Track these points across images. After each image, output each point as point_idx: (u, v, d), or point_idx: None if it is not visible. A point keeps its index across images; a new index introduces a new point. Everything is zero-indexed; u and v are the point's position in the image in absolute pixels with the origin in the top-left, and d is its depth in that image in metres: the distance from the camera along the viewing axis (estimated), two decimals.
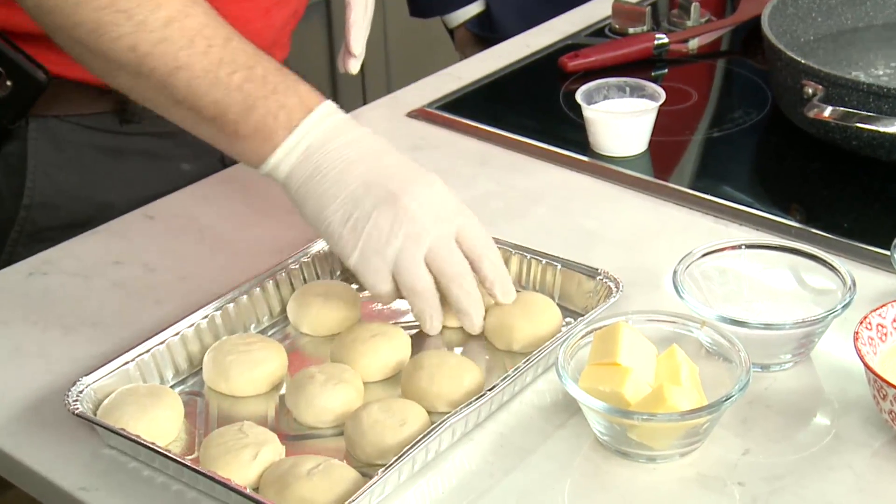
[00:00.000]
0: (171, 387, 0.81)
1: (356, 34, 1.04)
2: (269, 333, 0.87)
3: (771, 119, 1.14)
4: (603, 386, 0.73)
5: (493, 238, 0.89)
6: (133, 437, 0.73)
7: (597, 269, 0.86)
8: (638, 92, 1.09)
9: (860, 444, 0.75)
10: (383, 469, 0.69)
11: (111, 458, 0.75)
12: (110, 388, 0.78)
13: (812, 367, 0.81)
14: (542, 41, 1.33)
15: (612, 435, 0.74)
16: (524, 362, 0.78)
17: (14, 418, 0.79)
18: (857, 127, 1.00)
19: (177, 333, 0.82)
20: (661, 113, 1.08)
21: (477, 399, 0.75)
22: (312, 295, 0.87)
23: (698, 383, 0.76)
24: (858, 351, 0.74)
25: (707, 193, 1.02)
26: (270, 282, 0.88)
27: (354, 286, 0.91)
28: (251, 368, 0.80)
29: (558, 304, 0.86)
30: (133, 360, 0.80)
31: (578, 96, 1.08)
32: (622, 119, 1.07)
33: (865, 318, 0.77)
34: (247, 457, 0.72)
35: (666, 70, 1.27)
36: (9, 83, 0.98)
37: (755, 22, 1.18)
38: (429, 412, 0.76)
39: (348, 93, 2.34)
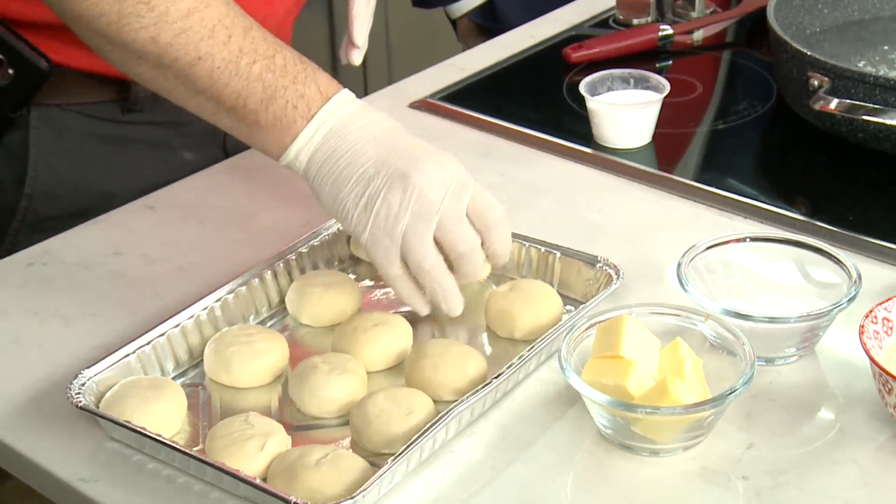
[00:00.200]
0: (172, 379, 0.81)
1: (359, 25, 1.04)
2: (269, 325, 0.86)
3: (776, 111, 1.14)
4: (606, 379, 0.73)
5: None
6: (139, 430, 0.72)
7: (596, 257, 0.86)
8: (642, 83, 1.09)
9: (865, 438, 0.74)
10: (393, 458, 0.69)
11: (112, 450, 0.75)
12: (112, 381, 0.77)
13: (817, 361, 0.81)
14: (545, 32, 1.32)
15: (615, 428, 0.74)
16: (528, 350, 0.78)
17: (13, 409, 0.79)
18: (863, 119, 1.00)
19: (177, 325, 0.81)
20: (666, 105, 1.07)
21: (484, 387, 0.74)
22: (312, 285, 0.86)
23: (702, 377, 0.75)
24: (864, 345, 0.74)
25: (711, 186, 1.01)
26: (269, 272, 0.87)
27: (353, 276, 0.91)
28: (253, 359, 0.80)
29: (558, 292, 0.86)
30: (134, 352, 0.79)
31: (582, 87, 1.08)
32: (626, 111, 1.07)
33: (871, 311, 0.77)
34: (254, 447, 0.72)
35: (670, 61, 1.26)
36: (11, 71, 0.98)
37: (761, 13, 1.17)
38: (433, 401, 0.76)
39: (350, 84, 2.32)
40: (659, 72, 1.11)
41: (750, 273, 0.85)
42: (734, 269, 0.85)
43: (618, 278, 0.84)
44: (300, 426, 0.77)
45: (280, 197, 1.02)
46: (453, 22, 1.71)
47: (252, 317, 0.86)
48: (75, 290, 0.91)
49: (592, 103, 1.07)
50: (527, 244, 0.90)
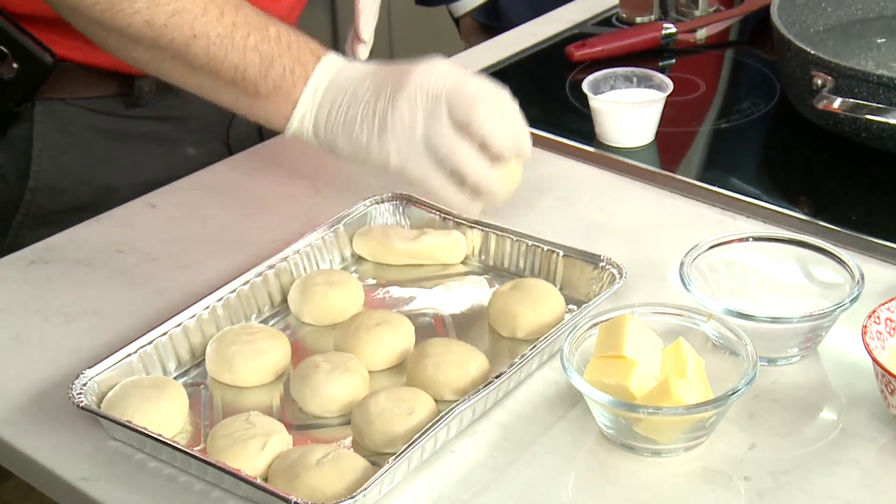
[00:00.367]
0: (174, 378, 0.81)
1: (365, 20, 1.04)
2: (270, 324, 0.86)
3: (779, 110, 1.13)
4: (608, 379, 0.73)
5: (497, 226, 0.90)
6: (140, 429, 0.72)
7: (599, 256, 0.86)
8: (645, 82, 1.08)
9: (867, 439, 0.74)
10: (394, 457, 0.69)
11: (114, 449, 0.75)
12: (113, 381, 0.77)
13: (819, 362, 0.81)
14: (548, 30, 1.32)
15: (617, 428, 0.73)
16: (530, 349, 0.78)
17: (14, 407, 0.79)
18: (866, 119, 0.99)
19: (179, 324, 0.81)
20: (669, 103, 1.07)
21: (486, 386, 0.74)
22: (314, 284, 0.86)
23: (704, 377, 0.75)
24: (866, 345, 0.74)
25: (714, 185, 1.01)
26: (271, 271, 0.87)
27: (355, 274, 0.90)
28: (255, 358, 0.80)
29: (561, 292, 0.86)
30: (136, 351, 0.79)
31: (585, 86, 1.07)
32: (629, 109, 1.07)
33: (874, 312, 0.76)
34: (255, 447, 0.72)
35: (673, 60, 1.26)
36: (15, 65, 0.98)
37: (764, 12, 1.17)
38: (435, 400, 0.76)
39: None
40: (662, 70, 1.11)
41: (752, 273, 0.85)
42: (737, 269, 0.85)
43: (620, 278, 0.84)
44: (302, 425, 0.77)
45: (282, 195, 1.02)
46: (456, 20, 1.71)
47: (254, 316, 0.86)
48: (77, 288, 0.91)
49: (595, 102, 1.07)
50: (529, 243, 0.89)
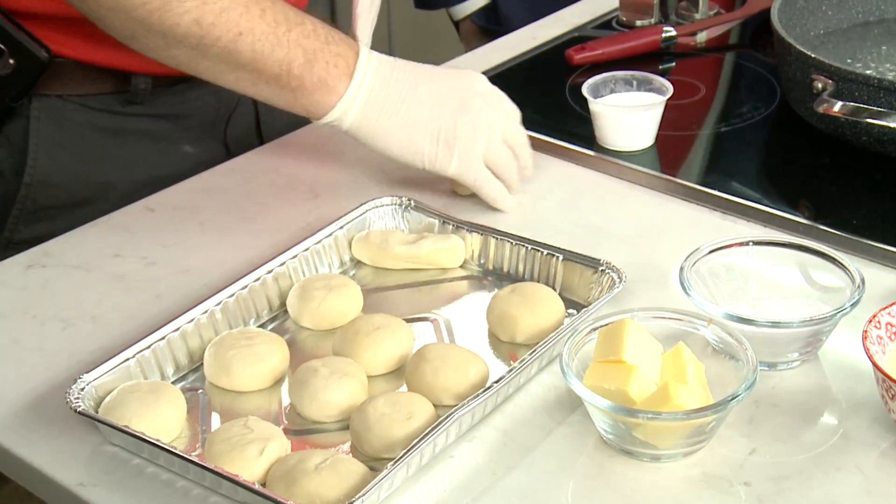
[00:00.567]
0: (172, 383, 0.80)
1: (363, 24, 1.05)
2: (269, 328, 0.86)
3: (780, 114, 1.13)
4: (608, 384, 0.73)
5: (496, 230, 0.92)
6: (138, 435, 0.72)
7: (599, 260, 0.86)
8: (645, 85, 1.08)
9: (868, 444, 0.74)
10: (392, 462, 0.69)
11: (111, 454, 0.75)
12: (111, 385, 0.77)
13: (820, 366, 0.80)
14: (548, 33, 1.32)
15: (617, 433, 0.73)
16: (529, 354, 0.77)
17: (12, 412, 0.79)
18: (867, 122, 0.99)
19: (177, 329, 0.81)
20: (669, 107, 1.07)
21: (484, 391, 0.74)
22: (313, 289, 0.86)
23: (704, 382, 0.75)
24: (867, 350, 0.73)
25: (714, 189, 1.01)
26: (270, 275, 0.87)
27: (354, 278, 0.90)
28: (253, 363, 0.80)
29: (560, 296, 0.86)
30: (134, 356, 0.79)
31: (585, 90, 1.07)
32: (629, 113, 1.06)
33: (874, 316, 0.76)
34: (253, 452, 0.71)
35: (674, 63, 1.26)
36: (11, 61, 0.99)
37: (764, 15, 1.16)
38: (434, 405, 0.76)
39: None
40: (662, 74, 1.11)
41: (753, 277, 0.85)
42: (737, 273, 0.85)
43: (620, 282, 0.84)
44: (300, 430, 0.77)
45: (281, 199, 1.02)
46: (456, 24, 1.71)
47: (252, 320, 0.86)
48: (75, 292, 0.90)
49: (595, 105, 1.07)
50: (529, 247, 0.89)
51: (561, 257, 0.88)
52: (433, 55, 1.46)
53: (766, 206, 0.98)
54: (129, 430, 0.72)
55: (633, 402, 0.72)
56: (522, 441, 0.75)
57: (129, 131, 1.07)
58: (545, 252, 0.88)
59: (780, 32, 1.08)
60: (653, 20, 1.31)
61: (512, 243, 0.90)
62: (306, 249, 0.90)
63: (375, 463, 0.72)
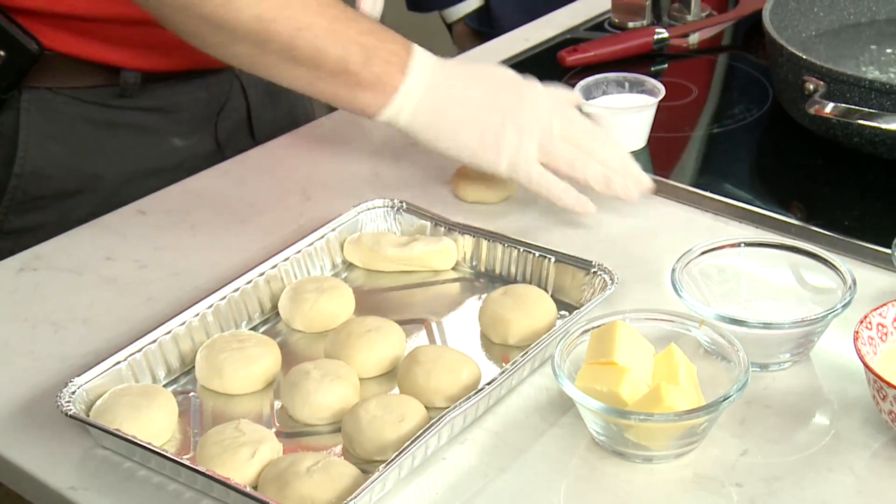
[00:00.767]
0: (164, 386, 0.80)
1: None
2: (261, 331, 0.86)
3: (772, 115, 1.13)
4: (600, 385, 0.73)
5: (488, 232, 0.91)
6: (129, 438, 0.72)
7: (590, 262, 0.86)
8: (637, 87, 1.08)
9: (860, 444, 0.74)
10: (384, 465, 0.69)
11: (102, 457, 0.75)
12: (102, 389, 0.77)
13: (811, 367, 0.81)
14: (540, 35, 1.32)
15: (609, 435, 0.73)
16: (521, 356, 0.77)
17: (3, 416, 0.78)
18: (858, 124, 0.99)
19: (168, 332, 0.81)
20: (661, 108, 1.07)
21: (476, 393, 0.74)
22: (305, 291, 0.86)
23: (696, 383, 0.75)
24: (858, 351, 0.73)
25: (706, 190, 1.01)
26: (262, 278, 0.87)
27: (346, 280, 0.90)
28: (245, 366, 0.79)
29: (553, 297, 0.86)
30: (125, 359, 0.79)
31: (577, 91, 1.07)
32: (621, 115, 1.06)
33: (866, 317, 0.76)
34: (245, 455, 0.71)
35: (666, 65, 1.26)
36: (2, 53, 0.99)
37: (756, 16, 1.17)
38: (426, 407, 0.76)
39: None
40: (654, 75, 1.11)
41: (744, 278, 0.85)
42: (729, 275, 0.85)
43: (612, 283, 0.84)
44: (292, 433, 0.77)
45: (272, 202, 1.02)
46: (449, 26, 1.71)
47: (244, 323, 0.86)
48: (66, 296, 0.90)
49: (587, 107, 1.07)
50: (521, 249, 0.89)
51: (553, 259, 0.88)
52: None
53: (758, 207, 0.98)
54: (121, 434, 0.72)
55: (625, 404, 0.72)
56: (514, 443, 0.75)
57: (119, 124, 1.08)
58: (537, 254, 0.88)
59: (771, 34, 1.08)
60: (645, 22, 1.31)
61: (504, 245, 0.90)
62: (298, 252, 0.90)
63: (367, 465, 0.72)
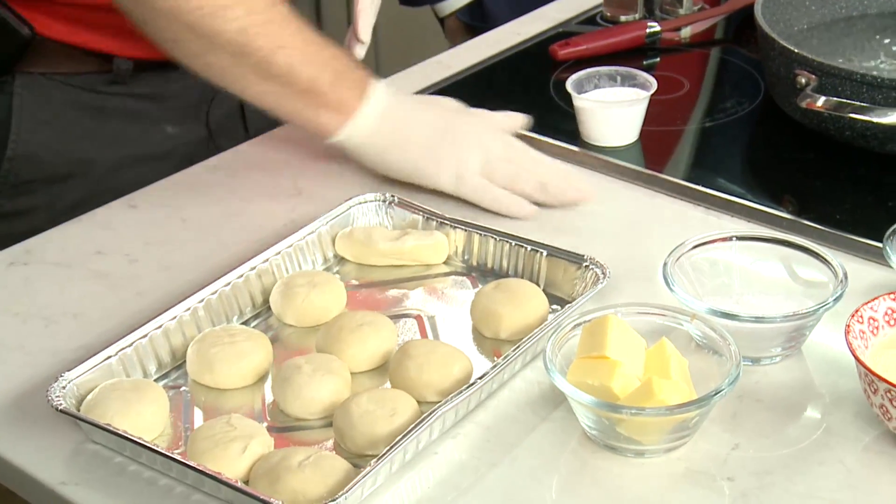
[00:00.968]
0: (155, 380, 0.80)
1: (364, 21, 1.07)
2: (253, 325, 0.86)
3: (764, 109, 1.13)
4: (591, 379, 0.72)
5: (480, 226, 0.91)
6: (120, 433, 0.72)
7: (582, 256, 0.86)
8: (629, 81, 1.08)
9: (851, 438, 0.74)
10: (376, 459, 0.69)
11: (93, 452, 0.74)
12: (93, 383, 0.77)
13: (803, 361, 0.81)
14: (532, 29, 1.32)
15: (601, 429, 0.73)
16: (513, 350, 0.77)
17: None
18: (850, 117, 0.99)
19: (159, 326, 0.81)
20: (653, 102, 1.07)
21: (468, 388, 0.74)
22: (296, 285, 0.86)
23: (688, 377, 0.75)
24: (850, 345, 0.74)
25: (699, 184, 1.01)
26: (253, 272, 0.87)
27: (337, 274, 0.90)
28: (237, 360, 0.79)
29: (545, 291, 0.85)
30: (116, 354, 0.79)
31: (569, 85, 1.07)
32: (613, 108, 1.06)
33: (857, 311, 0.76)
34: (236, 450, 0.71)
35: (658, 59, 1.26)
36: None
37: (748, 10, 1.17)
38: (418, 402, 0.75)
39: None
40: (646, 69, 1.11)
41: (736, 272, 0.85)
42: (720, 269, 0.85)
43: (604, 277, 0.84)
44: (283, 427, 0.76)
45: (264, 196, 1.01)
46: (441, 20, 1.70)
47: (236, 317, 0.86)
48: (57, 290, 0.90)
49: (579, 101, 1.07)
50: (513, 243, 0.89)
51: (545, 253, 0.88)
52: (418, 51, 1.46)
53: (750, 200, 0.98)
54: (111, 428, 0.72)
55: (617, 398, 0.72)
56: (506, 437, 0.75)
57: (111, 110, 1.08)
58: (529, 248, 0.88)
59: (763, 27, 1.08)
60: (637, 15, 1.31)
61: (496, 239, 0.90)
62: (290, 246, 0.89)
63: (359, 460, 0.72)
